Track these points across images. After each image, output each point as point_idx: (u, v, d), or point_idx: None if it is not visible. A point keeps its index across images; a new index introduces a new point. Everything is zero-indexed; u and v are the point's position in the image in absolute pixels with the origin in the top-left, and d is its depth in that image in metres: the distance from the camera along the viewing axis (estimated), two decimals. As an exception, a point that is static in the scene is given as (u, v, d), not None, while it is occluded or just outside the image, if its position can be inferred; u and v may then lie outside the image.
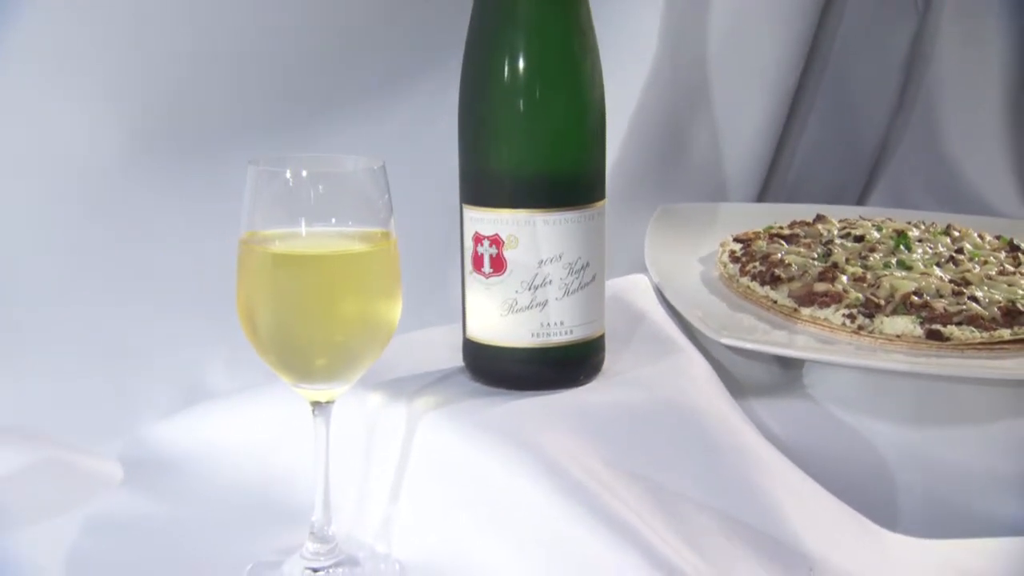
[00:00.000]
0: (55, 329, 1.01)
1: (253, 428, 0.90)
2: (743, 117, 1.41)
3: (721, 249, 1.17)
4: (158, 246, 1.06)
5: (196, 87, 1.08)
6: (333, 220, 0.73)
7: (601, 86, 0.84)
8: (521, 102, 0.81)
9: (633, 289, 1.06)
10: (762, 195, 1.45)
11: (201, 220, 1.07)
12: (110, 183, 1.05)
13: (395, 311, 0.75)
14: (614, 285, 1.04)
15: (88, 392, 0.98)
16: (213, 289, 1.03)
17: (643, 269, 1.12)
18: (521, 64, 0.81)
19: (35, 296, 1.01)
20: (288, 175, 0.72)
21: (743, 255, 1.13)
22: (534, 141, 0.82)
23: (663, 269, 1.11)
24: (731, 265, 1.12)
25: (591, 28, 0.83)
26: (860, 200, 1.60)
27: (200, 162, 1.09)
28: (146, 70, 1.05)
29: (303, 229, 0.72)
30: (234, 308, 0.85)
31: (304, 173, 0.72)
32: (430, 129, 1.19)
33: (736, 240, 1.18)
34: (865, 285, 1.04)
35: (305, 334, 0.73)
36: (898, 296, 1.00)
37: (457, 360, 0.90)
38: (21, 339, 0.99)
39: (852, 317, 0.99)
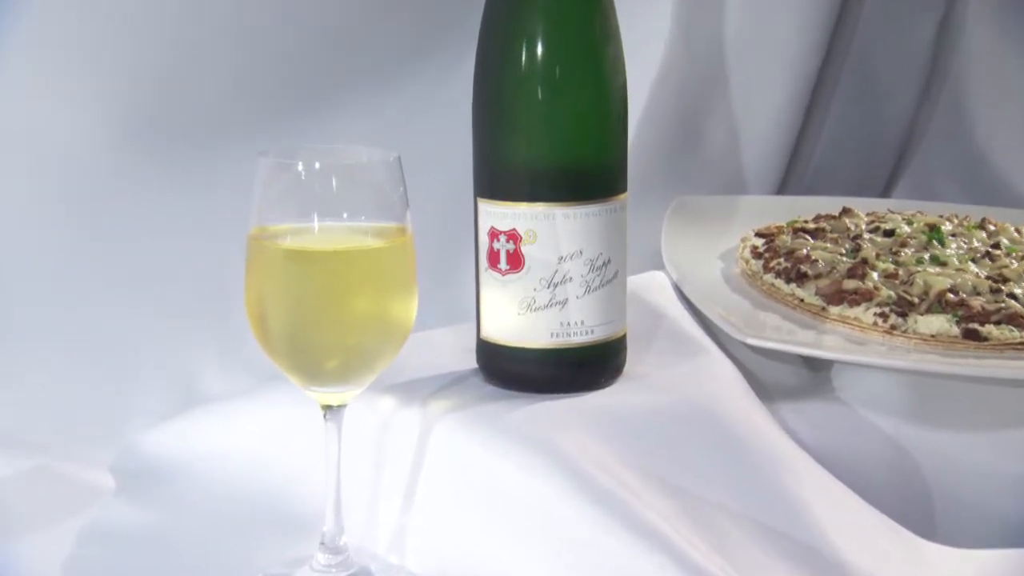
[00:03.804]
0: (41, 332, 1.02)
1: (255, 433, 0.91)
2: (762, 105, 1.42)
3: (742, 244, 1.19)
4: (149, 243, 1.07)
5: (185, 74, 1.09)
6: (346, 215, 0.75)
7: (623, 72, 0.86)
8: (540, 89, 0.83)
9: (652, 287, 1.08)
10: (782, 187, 1.47)
11: (194, 215, 1.08)
12: (96, 177, 1.05)
13: (411, 310, 0.76)
14: (632, 282, 1.05)
15: (78, 397, 0.99)
16: (209, 288, 1.05)
17: (660, 265, 1.13)
18: (541, 49, 0.83)
19: (20, 297, 1.02)
20: (300, 167, 0.73)
21: (766, 251, 1.15)
22: (554, 131, 0.84)
23: (681, 266, 1.12)
24: (754, 261, 1.14)
25: (613, 11, 0.85)
26: (885, 192, 1.61)
27: (191, 154, 1.10)
28: (132, 56, 1.06)
29: (315, 224, 0.74)
30: (232, 308, 0.86)
31: (317, 165, 0.73)
32: (432, 118, 1.21)
33: (758, 235, 1.20)
34: (897, 282, 1.05)
35: (317, 334, 0.74)
36: (932, 293, 1.02)
37: (470, 362, 0.91)
38: (5, 342, 1.00)
39: (884, 316, 1.01)
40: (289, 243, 0.74)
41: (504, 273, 0.86)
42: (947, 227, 1.21)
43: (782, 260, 1.12)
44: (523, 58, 0.83)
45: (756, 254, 1.15)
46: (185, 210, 1.08)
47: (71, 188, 1.04)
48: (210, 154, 1.09)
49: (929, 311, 1.01)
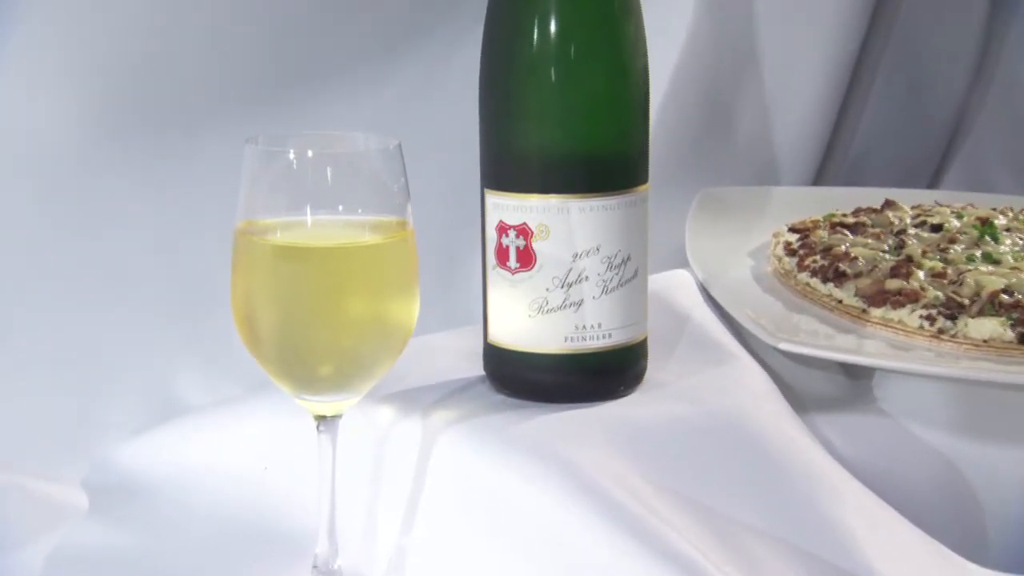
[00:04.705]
0: (6, 336, 1.02)
1: (241, 447, 0.91)
2: (796, 88, 1.42)
3: (775, 240, 1.19)
4: (127, 239, 1.07)
5: (165, 55, 1.09)
6: (341, 207, 0.75)
7: (645, 53, 0.86)
8: (554, 71, 0.83)
9: (675, 287, 1.08)
10: (819, 177, 1.47)
11: (176, 208, 1.09)
12: (67, 169, 1.06)
13: (412, 312, 0.77)
14: (654, 282, 1.05)
15: (47, 407, 1.00)
16: (192, 287, 1.06)
17: (684, 263, 1.14)
18: (555, 27, 0.83)
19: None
20: (291, 156, 0.74)
21: (801, 247, 1.15)
22: (569, 116, 0.84)
23: (708, 263, 1.13)
24: (787, 259, 1.14)
25: (634, -15, 0.85)
26: (932, 183, 1.61)
27: (172, 141, 1.10)
28: (106, 37, 1.07)
29: (308, 217, 0.74)
30: (217, 309, 0.87)
31: (309, 153, 0.74)
32: (435, 101, 1.21)
33: (792, 230, 1.20)
34: (945, 282, 1.06)
35: (310, 337, 0.75)
36: (985, 294, 1.02)
37: (477, 368, 0.92)
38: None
39: (931, 319, 1.01)
40: (279, 238, 0.74)
41: (514, 271, 0.86)
42: (1001, 221, 1.21)
43: (818, 257, 1.12)
44: (535, 37, 0.83)
45: (790, 251, 1.15)
46: (166, 203, 1.08)
47: (36, 182, 1.04)
48: (193, 141, 1.09)
49: (981, 314, 1.01)
